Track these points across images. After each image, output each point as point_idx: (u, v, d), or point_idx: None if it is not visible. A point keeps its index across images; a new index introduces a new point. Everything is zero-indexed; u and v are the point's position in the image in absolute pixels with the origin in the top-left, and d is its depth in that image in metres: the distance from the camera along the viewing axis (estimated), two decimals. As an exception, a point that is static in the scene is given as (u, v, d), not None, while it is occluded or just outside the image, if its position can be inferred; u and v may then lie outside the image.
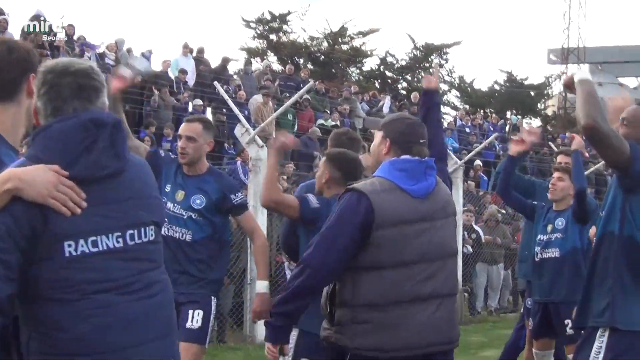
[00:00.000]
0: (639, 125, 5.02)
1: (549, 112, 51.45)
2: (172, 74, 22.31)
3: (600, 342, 4.77)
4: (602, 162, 5.64)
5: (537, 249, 8.34)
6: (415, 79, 44.83)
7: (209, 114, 20.17)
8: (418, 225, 4.67)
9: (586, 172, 7.20)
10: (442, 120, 5.85)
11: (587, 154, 11.55)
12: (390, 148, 4.80)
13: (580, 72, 5.01)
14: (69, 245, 3.21)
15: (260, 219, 12.72)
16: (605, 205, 5.10)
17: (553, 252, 8.13)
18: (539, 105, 51.70)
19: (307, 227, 5.77)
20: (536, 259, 8.39)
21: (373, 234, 4.55)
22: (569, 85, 5.12)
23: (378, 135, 4.91)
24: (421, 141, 4.83)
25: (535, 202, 8.55)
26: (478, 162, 24.61)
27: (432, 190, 4.80)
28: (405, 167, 4.72)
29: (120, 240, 3.36)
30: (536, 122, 47.74)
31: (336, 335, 4.65)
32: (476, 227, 18.92)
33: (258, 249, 6.83)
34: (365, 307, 4.58)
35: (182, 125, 6.89)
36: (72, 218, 3.21)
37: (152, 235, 3.51)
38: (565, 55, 52.35)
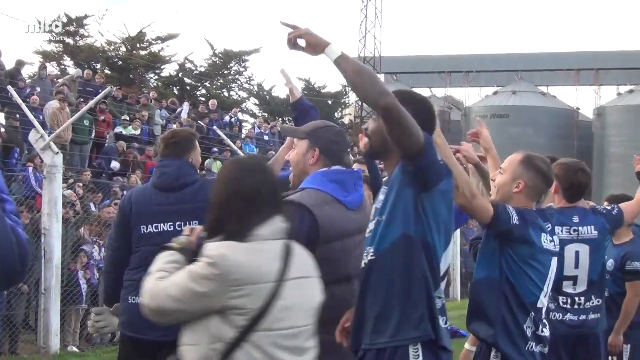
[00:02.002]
0: None
1: (346, 120, 52.26)
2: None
3: None
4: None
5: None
6: (214, 86, 44.79)
7: (1, 118, 19.56)
8: (357, 237, 4.55)
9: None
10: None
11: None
12: (318, 158, 4.66)
13: (332, 47, 4.09)
14: None
15: (55, 226, 12.48)
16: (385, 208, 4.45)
17: None
18: (336, 113, 52.42)
19: None
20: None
21: (317, 249, 4.32)
22: (294, 42, 4.12)
23: (302, 144, 4.74)
24: (348, 150, 4.78)
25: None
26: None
27: (362, 201, 4.77)
28: (337, 179, 4.63)
29: None
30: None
31: None
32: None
33: None
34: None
35: None
36: None
37: None
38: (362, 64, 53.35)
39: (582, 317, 6.56)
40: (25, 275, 3.39)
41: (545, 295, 5.32)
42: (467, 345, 6.17)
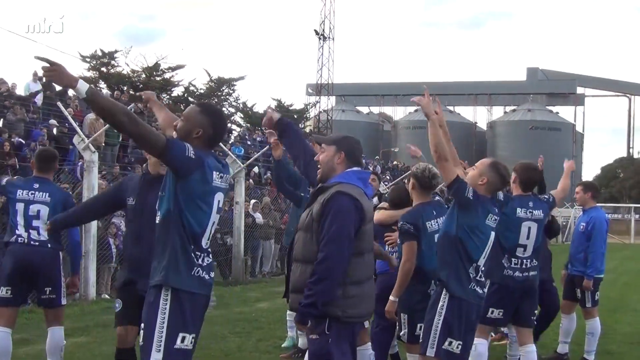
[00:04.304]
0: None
1: (307, 130, 52.29)
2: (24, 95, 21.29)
3: None
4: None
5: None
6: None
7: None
8: (372, 221, 4.80)
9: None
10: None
11: None
12: (343, 159, 4.71)
13: (81, 83, 3.84)
14: None
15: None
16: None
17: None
18: (300, 124, 52.46)
19: None
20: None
21: (361, 228, 4.56)
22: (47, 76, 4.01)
23: (330, 149, 4.75)
24: (362, 155, 4.86)
25: (302, 194, 8.59)
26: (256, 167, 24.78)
27: (372, 194, 5.02)
28: (362, 177, 4.74)
29: None
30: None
31: (327, 308, 4.46)
32: (252, 213, 18.95)
33: None
34: (353, 284, 4.52)
35: None
36: None
37: None
38: (319, 89, 53.34)
39: (526, 274, 6.76)
40: None
41: (484, 256, 5.45)
42: (391, 297, 6.22)
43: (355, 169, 4.73)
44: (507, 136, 65.96)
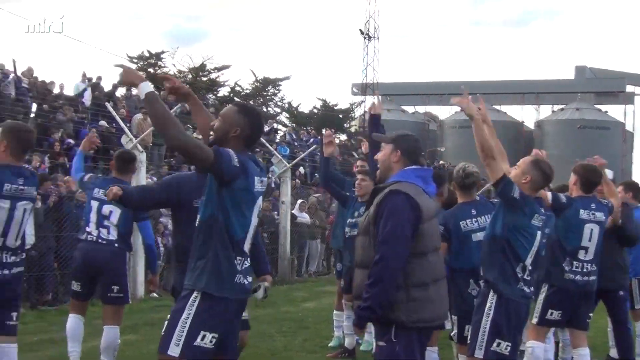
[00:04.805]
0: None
1: (353, 129, 52.17)
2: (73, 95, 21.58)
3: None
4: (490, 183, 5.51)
5: (347, 228, 8.40)
6: (256, 104, 44.70)
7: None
8: (435, 219, 4.62)
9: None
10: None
11: None
12: (400, 158, 4.61)
13: (144, 85, 4.15)
14: None
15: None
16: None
17: (357, 231, 8.18)
18: (345, 124, 52.37)
19: None
20: (345, 236, 8.46)
21: (420, 227, 4.39)
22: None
23: (388, 147, 4.68)
24: (423, 154, 4.73)
25: (348, 194, 8.58)
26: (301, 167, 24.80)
27: (435, 192, 4.79)
28: (421, 174, 4.60)
29: None
30: (343, 137, 48.36)
31: (390, 314, 4.34)
32: (299, 213, 18.95)
33: None
34: (416, 287, 4.36)
35: None
36: None
37: None
38: (364, 89, 53.20)
39: (587, 278, 6.68)
40: None
41: (531, 255, 5.38)
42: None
43: (413, 167, 4.61)
44: (555, 135, 65.06)
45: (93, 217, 7.05)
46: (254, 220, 4.33)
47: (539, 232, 5.42)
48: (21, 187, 5.34)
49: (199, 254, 4.19)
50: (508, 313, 5.28)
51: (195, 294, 4.13)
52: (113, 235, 7.02)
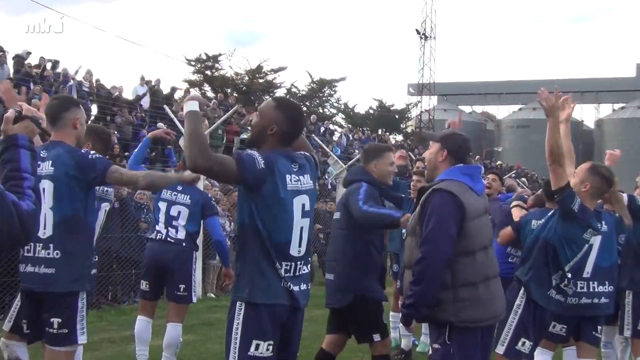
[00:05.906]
0: None
1: (409, 130, 51.99)
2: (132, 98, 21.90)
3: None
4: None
5: (404, 230, 8.33)
6: (312, 105, 44.87)
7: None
8: (484, 217, 4.52)
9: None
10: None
11: None
12: (446, 157, 4.56)
13: (190, 103, 3.96)
14: None
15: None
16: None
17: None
18: (401, 125, 52.22)
19: None
20: (402, 237, 8.40)
21: (464, 225, 4.31)
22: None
23: (435, 146, 4.63)
24: (470, 154, 4.67)
25: (403, 195, 8.49)
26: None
27: (484, 189, 4.74)
28: (468, 172, 4.52)
29: None
30: (399, 137, 48.23)
31: (439, 314, 4.30)
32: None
33: None
34: (464, 286, 4.29)
35: None
36: None
37: None
38: (420, 89, 52.94)
39: None
40: (29, 241, 3.23)
41: (571, 266, 5.30)
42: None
43: (459, 165, 4.54)
44: (616, 135, 63.87)
45: (162, 217, 7.17)
46: (300, 221, 4.05)
47: (586, 246, 5.34)
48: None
49: (238, 260, 4.06)
50: (534, 314, 5.29)
51: (239, 303, 3.98)
52: (181, 234, 7.12)
